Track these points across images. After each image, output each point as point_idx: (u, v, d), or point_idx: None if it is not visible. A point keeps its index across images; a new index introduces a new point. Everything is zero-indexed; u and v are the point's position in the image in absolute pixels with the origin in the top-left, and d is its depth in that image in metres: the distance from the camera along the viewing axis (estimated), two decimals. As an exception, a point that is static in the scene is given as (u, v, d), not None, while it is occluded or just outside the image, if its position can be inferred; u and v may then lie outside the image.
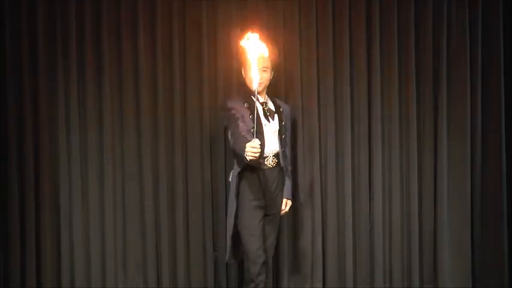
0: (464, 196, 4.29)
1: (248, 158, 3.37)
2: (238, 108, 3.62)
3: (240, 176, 3.62)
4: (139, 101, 4.16)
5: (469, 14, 4.26)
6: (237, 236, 3.65)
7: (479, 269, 4.32)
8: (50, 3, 4.10)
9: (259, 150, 3.36)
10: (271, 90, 3.90)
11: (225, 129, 3.70)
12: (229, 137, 3.62)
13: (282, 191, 3.78)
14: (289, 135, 3.91)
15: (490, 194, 4.32)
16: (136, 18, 4.14)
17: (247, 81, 3.72)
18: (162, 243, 4.19)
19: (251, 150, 3.35)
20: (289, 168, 3.89)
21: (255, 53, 3.43)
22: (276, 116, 3.75)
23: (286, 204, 3.84)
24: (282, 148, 3.74)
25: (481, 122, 4.30)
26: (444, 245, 4.26)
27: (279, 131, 3.74)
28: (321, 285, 4.24)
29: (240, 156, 3.48)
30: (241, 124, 3.57)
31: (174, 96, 4.17)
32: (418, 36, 4.25)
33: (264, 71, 3.72)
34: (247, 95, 3.68)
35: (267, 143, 3.66)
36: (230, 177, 3.73)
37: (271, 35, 4.13)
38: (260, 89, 3.73)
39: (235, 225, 3.64)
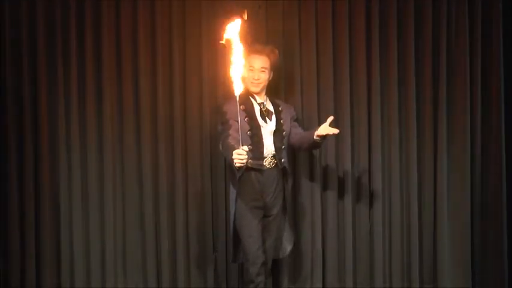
0: (464, 196, 4.29)
1: (236, 165, 3.32)
2: (234, 111, 3.55)
3: (239, 177, 3.62)
4: (139, 100, 4.16)
5: (469, 14, 4.25)
6: (237, 236, 3.66)
7: (479, 269, 4.32)
8: (50, 3, 4.10)
9: (246, 156, 3.30)
10: (271, 90, 3.90)
11: (220, 134, 3.67)
12: (220, 147, 3.61)
13: (282, 191, 3.76)
14: (296, 125, 3.89)
15: (490, 194, 4.31)
16: (136, 18, 4.14)
17: (246, 82, 3.72)
18: (162, 243, 4.18)
19: (237, 157, 3.29)
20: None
21: (239, 53, 3.31)
22: (274, 116, 3.75)
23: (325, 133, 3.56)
24: (282, 147, 3.73)
25: (481, 122, 4.30)
26: (444, 245, 4.26)
27: (277, 131, 3.73)
28: (320, 285, 4.24)
29: (230, 165, 3.46)
30: (232, 133, 3.52)
31: (174, 96, 4.17)
32: (417, 36, 4.25)
33: (262, 71, 3.71)
34: (244, 96, 3.68)
35: (265, 144, 3.66)
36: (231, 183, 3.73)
37: (271, 36, 4.14)
38: (258, 89, 3.73)
39: (235, 226, 3.64)
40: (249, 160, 3.51)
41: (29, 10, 4.09)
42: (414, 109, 4.26)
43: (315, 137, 3.57)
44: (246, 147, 3.33)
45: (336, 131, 3.54)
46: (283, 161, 3.73)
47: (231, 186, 3.69)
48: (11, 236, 4.07)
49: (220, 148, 3.62)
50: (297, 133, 3.84)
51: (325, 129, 3.55)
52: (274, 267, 4.05)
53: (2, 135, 4.08)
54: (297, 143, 3.82)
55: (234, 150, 3.33)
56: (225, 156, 3.57)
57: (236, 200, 3.63)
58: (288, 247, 3.88)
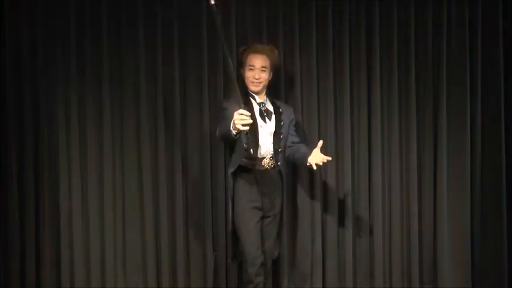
0: (464, 196, 4.29)
1: (237, 126, 3.21)
2: (233, 109, 3.56)
3: (237, 177, 3.62)
4: (139, 100, 4.16)
5: (469, 14, 4.26)
6: (235, 236, 3.66)
7: (479, 269, 4.32)
8: (50, 4, 4.10)
9: (249, 118, 3.22)
10: (271, 90, 3.90)
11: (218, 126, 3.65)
12: (217, 133, 3.58)
13: (281, 192, 3.77)
14: (293, 133, 3.88)
15: (490, 194, 4.32)
16: (137, 18, 4.14)
17: (246, 81, 3.73)
18: (162, 243, 4.18)
19: (239, 117, 3.21)
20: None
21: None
22: (273, 116, 3.75)
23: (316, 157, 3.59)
24: (279, 149, 3.73)
25: (481, 122, 4.30)
26: (444, 245, 4.26)
27: (276, 132, 3.73)
28: (320, 286, 4.24)
29: (227, 137, 3.38)
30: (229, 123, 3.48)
31: (174, 95, 4.17)
32: (418, 36, 4.25)
33: (263, 70, 3.71)
34: (244, 95, 3.69)
35: (264, 144, 3.65)
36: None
37: (271, 36, 4.14)
38: (259, 89, 3.72)
39: (233, 227, 3.65)
40: (245, 160, 3.55)
41: (29, 10, 4.09)
42: (414, 109, 4.26)
43: (307, 164, 3.61)
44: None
45: (327, 158, 3.57)
46: (280, 164, 3.74)
47: (230, 186, 3.69)
48: (11, 236, 4.07)
49: (217, 133, 3.59)
50: (294, 142, 3.83)
51: (317, 157, 3.58)
52: (274, 268, 4.05)
53: (2, 136, 4.08)
54: (290, 158, 3.82)
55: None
56: (223, 134, 3.45)
57: (234, 200, 3.63)
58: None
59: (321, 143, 3.63)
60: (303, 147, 3.79)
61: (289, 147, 3.81)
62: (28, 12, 4.09)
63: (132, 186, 4.19)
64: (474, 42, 4.27)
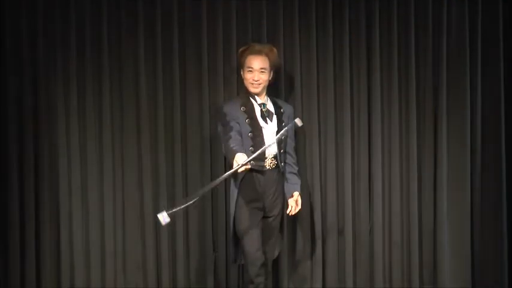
0: (464, 196, 4.29)
1: (234, 164, 3.33)
2: (234, 113, 3.58)
3: (239, 178, 3.61)
4: (139, 100, 4.16)
5: (468, 14, 4.26)
6: (237, 237, 3.66)
7: (479, 269, 4.32)
8: (50, 4, 4.11)
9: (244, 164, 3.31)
10: (271, 90, 3.90)
11: (221, 135, 3.67)
12: (223, 149, 3.62)
13: (282, 193, 3.76)
14: (292, 136, 3.89)
15: (490, 194, 4.31)
16: (137, 17, 4.14)
17: (245, 83, 3.72)
18: (162, 243, 4.19)
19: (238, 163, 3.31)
20: (296, 168, 3.86)
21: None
22: (275, 117, 3.74)
23: (295, 200, 3.76)
24: (281, 150, 3.73)
25: (481, 122, 4.30)
26: (444, 246, 4.26)
27: (278, 132, 3.71)
28: (320, 286, 4.24)
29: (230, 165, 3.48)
30: (233, 135, 3.52)
31: (174, 96, 4.17)
32: (418, 36, 4.25)
33: (262, 72, 3.69)
34: (245, 97, 3.69)
35: (267, 145, 3.64)
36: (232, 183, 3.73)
37: (271, 36, 4.14)
38: (258, 90, 3.71)
39: (234, 227, 3.64)
40: (253, 162, 3.54)
41: (28, 10, 4.09)
42: (415, 109, 4.26)
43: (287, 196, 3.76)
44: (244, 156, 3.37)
45: (294, 211, 3.74)
46: (283, 165, 3.74)
47: (232, 186, 3.69)
48: (11, 236, 4.07)
49: (223, 149, 3.63)
50: (290, 153, 3.82)
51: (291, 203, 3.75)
52: (274, 267, 4.05)
53: (2, 135, 4.08)
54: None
55: (235, 153, 3.35)
56: (227, 157, 3.57)
57: (236, 201, 3.63)
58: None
59: (296, 193, 3.75)
60: (293, 179, 3.81)
61: (285, 162, 3.81)
62: (28, 12, 4.08)
63: (132, 186, 4.19)
64: (474, 42, 4.27)
